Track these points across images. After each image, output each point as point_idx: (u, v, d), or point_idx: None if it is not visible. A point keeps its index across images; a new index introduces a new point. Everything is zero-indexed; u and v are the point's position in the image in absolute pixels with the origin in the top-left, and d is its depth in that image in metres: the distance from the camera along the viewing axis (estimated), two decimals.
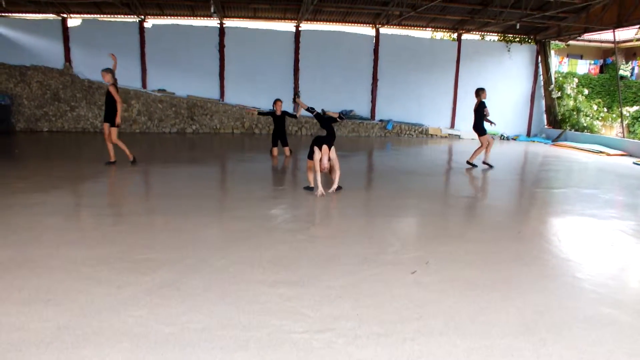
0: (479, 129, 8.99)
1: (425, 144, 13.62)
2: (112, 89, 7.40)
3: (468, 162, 9.01)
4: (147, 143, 11.34)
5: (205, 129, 13.74)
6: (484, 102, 8.88)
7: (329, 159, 5.86)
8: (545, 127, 16.15)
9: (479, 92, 8.91)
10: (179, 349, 2.41)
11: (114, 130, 7.58)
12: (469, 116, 15.51)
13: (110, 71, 7.38)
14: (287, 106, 11.02)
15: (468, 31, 15.47)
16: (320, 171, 5.90)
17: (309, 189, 6.24)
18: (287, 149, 9.58)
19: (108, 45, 13.23)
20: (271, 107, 9.89)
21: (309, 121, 14.13)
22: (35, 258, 3.56)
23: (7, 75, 12.44)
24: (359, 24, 14.88)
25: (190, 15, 13.99)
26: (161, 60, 13.53)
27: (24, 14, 13.14)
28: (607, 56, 18.51)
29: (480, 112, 8.90)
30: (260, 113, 10.13)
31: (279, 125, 9.56)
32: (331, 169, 6.06)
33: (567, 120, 15.51)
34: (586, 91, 16.45)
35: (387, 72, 14.97)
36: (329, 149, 5.86)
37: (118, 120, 7.51)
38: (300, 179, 7.10)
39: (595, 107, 15.88)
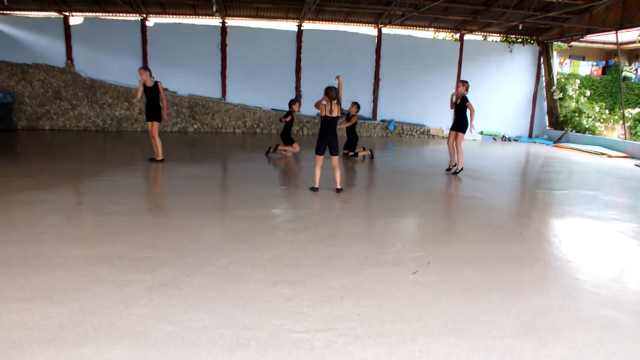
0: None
1: (426, 144, 13.61)
2: (160, 86, 8.01)
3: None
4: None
5: (206, 128, 13.74)
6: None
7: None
8: (547, 128, 16.12)
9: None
10: (180, 347, 2.42)
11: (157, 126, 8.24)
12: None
13: (148, 69, 7.88)
14: (285, 106, 10.95)
15: (470, 31, 15.44)
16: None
17: (314, 189, 6.26)
18: (295, 145, 9.67)
19: (110, 43, 13.31)
20: (289, 108, 9.63)
21: (311, 120, 14.14)
22: (36, 256, 3.57)
23: (9, 74, 12.45)
24: (361, 24, 14.85)
25: (192, 14, 13.98)
26: (163, 59, 13.51)
27: (26, 12, 13.14)
28: (609, 58, 18.49)
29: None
30: (285, 117, 9.59)
31: (289, 124, 9.58)
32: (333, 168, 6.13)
33: (568, 121, 15.49)
34: (588, 93, 16.44)
35: (389, 72, 14.95)
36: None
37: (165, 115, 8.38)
38: (302, 179, 7.11)
39: (597, 108, 15.86)
